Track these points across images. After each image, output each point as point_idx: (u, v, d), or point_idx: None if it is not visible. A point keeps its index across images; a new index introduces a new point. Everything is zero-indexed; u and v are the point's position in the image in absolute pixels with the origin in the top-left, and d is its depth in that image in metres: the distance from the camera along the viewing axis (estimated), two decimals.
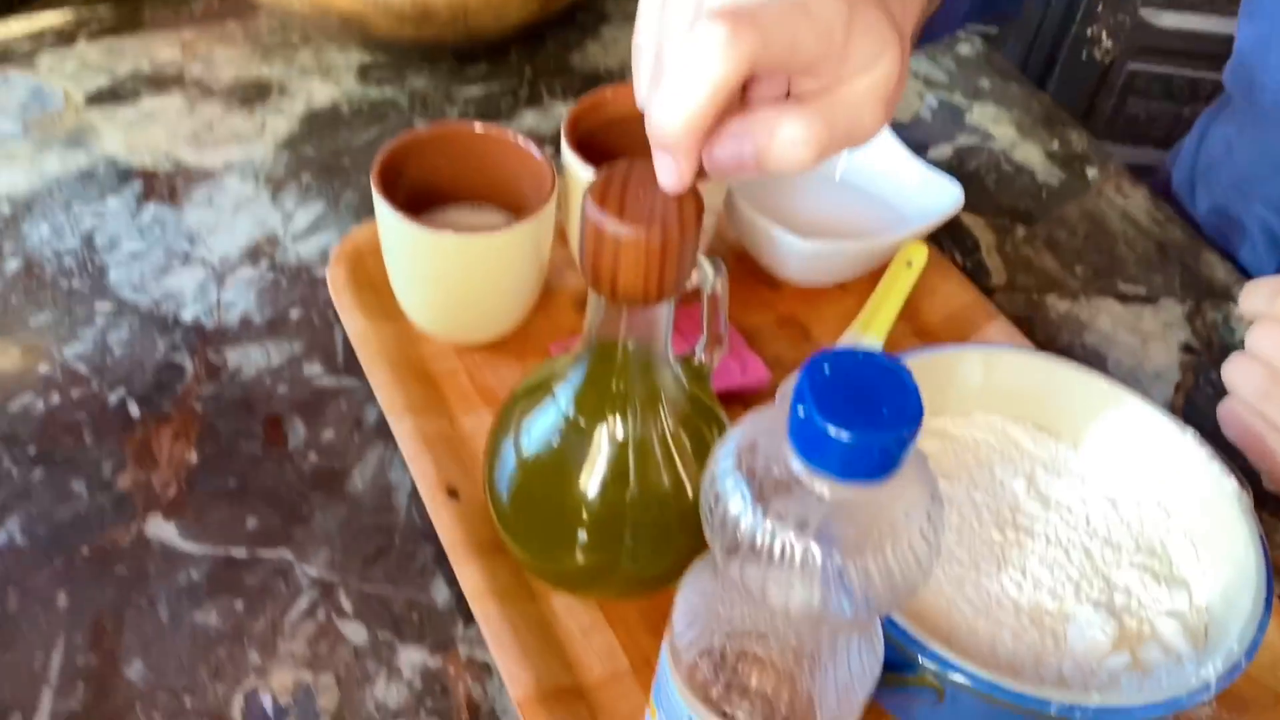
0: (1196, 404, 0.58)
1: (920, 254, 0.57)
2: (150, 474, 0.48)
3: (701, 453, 0.42)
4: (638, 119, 0.46)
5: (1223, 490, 0.45)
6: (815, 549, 0.28)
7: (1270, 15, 0.63)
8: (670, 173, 0.35)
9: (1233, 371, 0.50)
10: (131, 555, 0.45)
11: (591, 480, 0.41)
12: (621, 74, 0.75)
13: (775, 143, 0.35)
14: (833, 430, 0.26)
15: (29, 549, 0.45)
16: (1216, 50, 1.84)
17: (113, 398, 0.51)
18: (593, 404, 0.40)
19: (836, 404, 0.26)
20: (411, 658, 0.43)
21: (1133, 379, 0.59)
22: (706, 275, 0.41)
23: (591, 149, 0.54)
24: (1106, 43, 1.90)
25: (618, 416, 0.40)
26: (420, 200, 0.54)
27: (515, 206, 0.55)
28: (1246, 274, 0.66)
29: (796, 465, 0.28)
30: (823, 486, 0.27)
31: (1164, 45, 1.91)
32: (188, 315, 0.55)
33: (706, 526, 0.30)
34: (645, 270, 0.35)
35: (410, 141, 0.51)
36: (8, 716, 0.40)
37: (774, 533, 0.28)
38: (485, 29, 0.65)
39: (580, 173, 0.52)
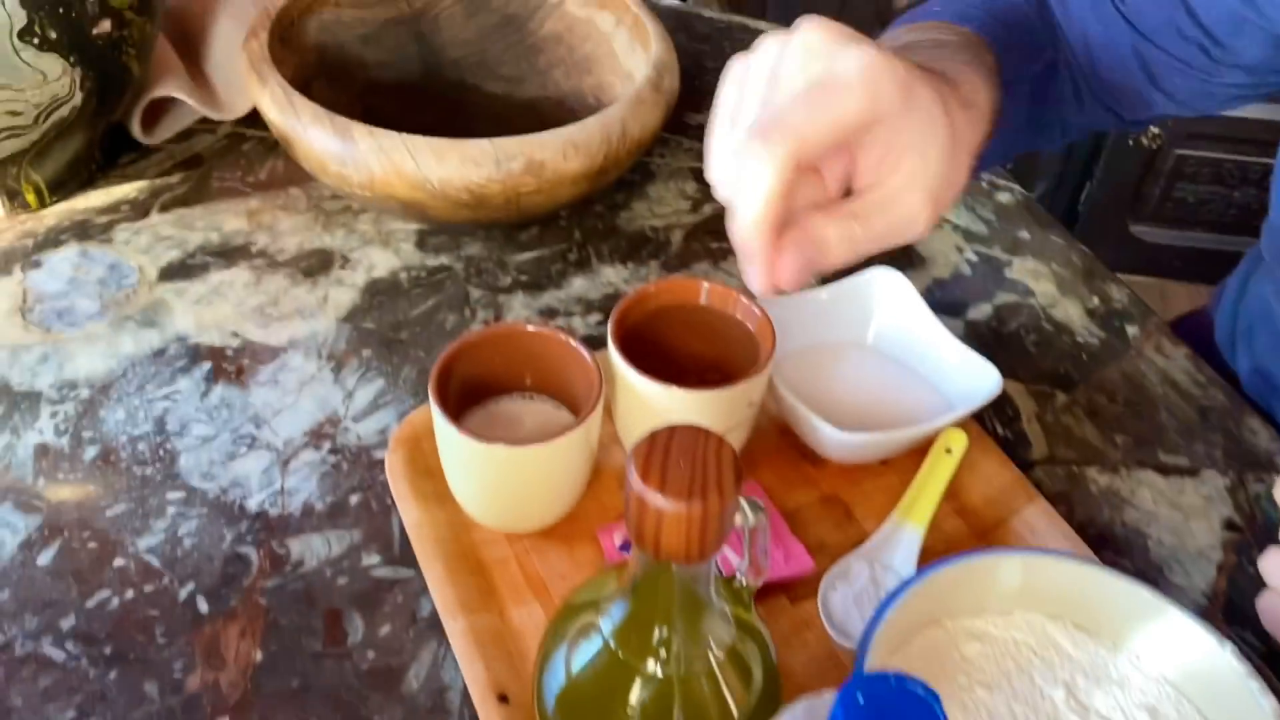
0: (1239, 585, 0.58)
1: (960, 441, 0.58)
2: (218, 673, 0.51)
3: (746, 678, 0.44)
4: (680, 309, 0.52)
5: (1262, 709, 0.45)
6: None
7: None
8: (755, 277, 0.43)
9: (1269, 564, 0.51)
10: None
11: (636, 715, 0.42)
12: (666, 231, 0.77)
13: (824, 248, 0.43)
14: None
15: None
16: (1264, 136, 1.84)
17: (183, 593, 0.54)
18: (636, 641, 0.42)
19: None
20: None
21: (1174, 559, 0.59)
22: (747, 517, 0.43)
23: (638, 340, 0.56)
24: (1153, 128, 1.91)
25: (661, 654, 0.42)
26: (474, 392, 0.56)
27: (564, 395, 0.57)
28: None
29: None
30: None
31: (1210, 131, 1.91)
32: (253, 504, 0.58)
33: None
34: (687, 537, 0.37)
35: (466, 343, 0.54)
36: None
37: None
38: (538, 209, 0.68)
39: (625, 369, 0.54)
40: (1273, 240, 0.68)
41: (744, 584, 0.45)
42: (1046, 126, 0.69)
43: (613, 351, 0.55)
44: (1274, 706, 0.45)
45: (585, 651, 0.44)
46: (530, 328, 0.55)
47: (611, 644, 0.43)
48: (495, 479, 0.52)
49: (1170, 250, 2.04)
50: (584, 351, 0.54)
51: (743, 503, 0.43)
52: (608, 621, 0.43)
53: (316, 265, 0.72)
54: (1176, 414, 0.67)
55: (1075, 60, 0.65)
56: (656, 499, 0.36)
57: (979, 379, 0.59)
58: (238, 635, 0.52)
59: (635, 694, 0.42)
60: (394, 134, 0.63)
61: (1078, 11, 0.64)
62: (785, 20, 0.48)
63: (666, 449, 0.38)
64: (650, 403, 0.54)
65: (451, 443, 0.51)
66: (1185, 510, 0.61)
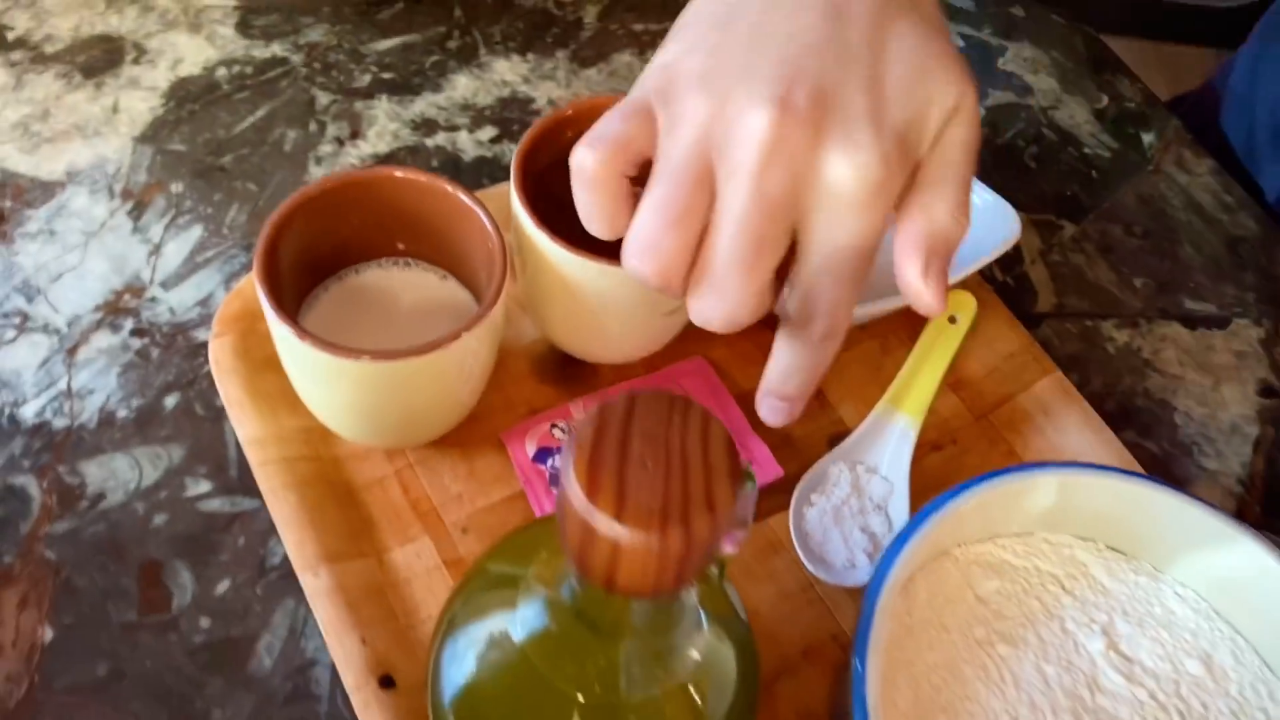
0: (1277, 468, 0.49)
1: (968, 306, 0.46)
2: None
3: (720, 685, 0.32)
4: None
5: None
6: None
7: None
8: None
9: None
10: None
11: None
12: (576, 8, 0.59)
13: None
14: None
15: None
16: None
17: None
18: (571, 668, 0.29)
19: None
20: None
21: (1204, 436, 0.49)
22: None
23: (551, 186, 0.41)
24: None
25: (608, 682, 0.29)
26: (329, 259, 0.41)
27: (451, 260, 0.42)
28: None
29: None
30: None
31: None
32: (29, 413, 0.42)
33: None
34: (658, 572, 0.24)
35: (305, 200, 0.38)
36: None
37: None
38: None
39: (537, 235, 0.39)
40: None
41: (717, 556, 0.33)
42: None
43: (519, 211, 0.39)
44: None
45: (496, 653, 0.32)
46: (401, 174, 0.39)
47: (533, 659, 0.30)
48: (363, 395, 0.38)
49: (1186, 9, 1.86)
50: (481, 213, 0.39)
51: None
52: (521, 627, 0.30)
53: (101, 60, 0.53)
54: (1203, 248, 0.55)
55: None
56: (612, 528, 0.23)
57: (992, 221, 0.46)
58: (16, 605, 0.38)
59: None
60: None
61: None
62: None
63: (623, 438, 0.24)
64: (572, 281, 0.39)
65: (293, 350, 0.36)
66: (1216, 373, 0.51)
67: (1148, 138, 0.59)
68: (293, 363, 0.38)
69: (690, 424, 0.24)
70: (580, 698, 0.30)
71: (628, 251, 0.32)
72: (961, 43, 0.61)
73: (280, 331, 0.36)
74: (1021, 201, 0.54)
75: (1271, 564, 0.38)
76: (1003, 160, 0.57)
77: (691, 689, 0.31)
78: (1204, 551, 0.40)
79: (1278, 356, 0.52)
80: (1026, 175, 0.56)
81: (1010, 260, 0.53)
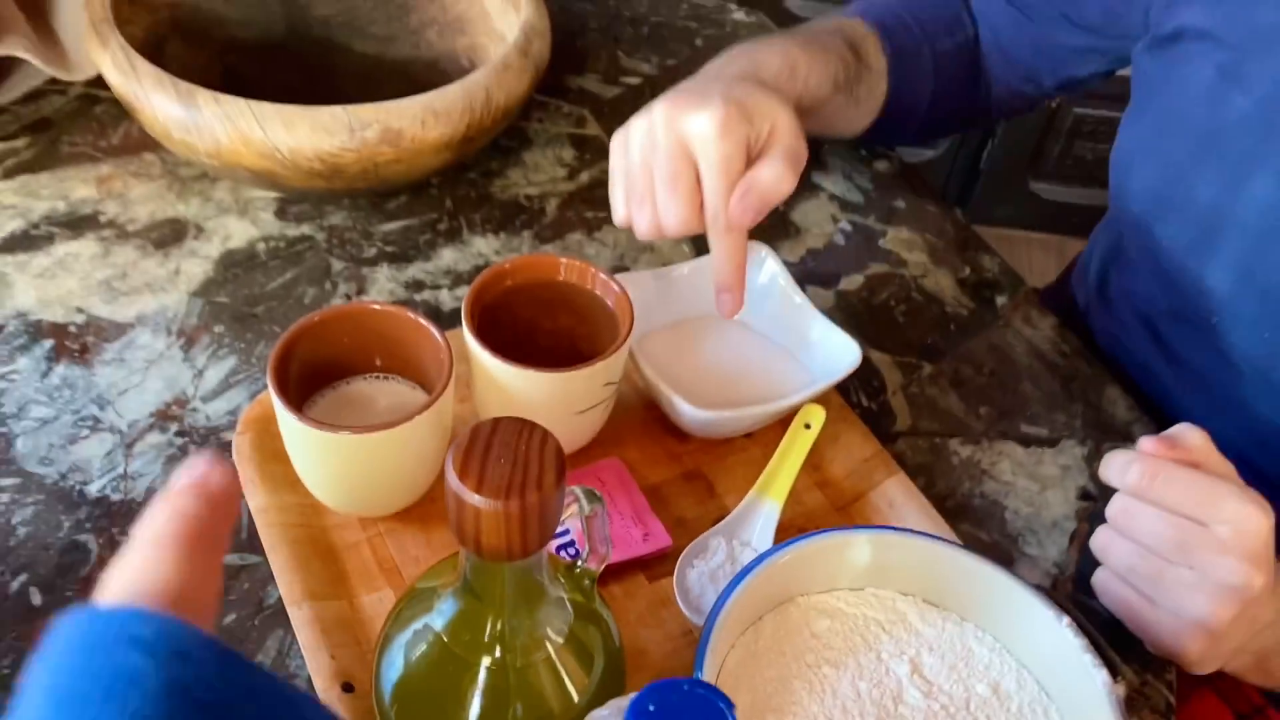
0: (1090, 554, 0.59)
1: (818, 416, 0.58)
2: None
3: (586, 663, 0.43)
4: (538, 285, 0.57)
5: (1095, 682, 0.46)
6: None
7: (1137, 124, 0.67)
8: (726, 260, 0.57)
9: (1100, 544, 0.52)
10: None
11: (474, 708, 0.41)
12: (542, 199, 0.75)
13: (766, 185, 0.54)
14: None
15: None
16: None
17: (15, 584, 0.51)
18: (469, 636, 0.41)
19: None
20: None
21: (1029, 530, 0.60)
22: (583, 505, 0.42)
23: (496, 319, 0.55)
24: None
25: (496, 648, 0.41)
26: (322, 374, 0.55)
27: (418, 374, 0.55)
28: (1145, 403, 0.68)
29: None
30: None
31: (1108, 91, 1.92)
32: (94, 489, 0.56)
33: None
34: (507, 534, 0.36)
35: (309, 324, 0.52)
36: None
37: None
38: (399, 178, 0.66)
39: (479, 352, 0.53)
40: (1128, 227, 0.69)
41: (582, 568, 0.45)
42: (966, 109, 0.78)
43: (466, 333, 0.53)
44: (1105, 679, 0.46)
45: (420, 642, 0.43)
46: (375, 306, 0.54)
47: (445, 638, 0.42)
48: (343, 466, 0.51)
49: (1070, 207, 2.07)
50: (433, 330, 0.53)
51: (578, 492, 0.42)
52: (439, 617, 0.42)
53: (169, 236, 0.69)
54: (1040, 384, 0.68)
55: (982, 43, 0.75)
56: (473, 498, 0.35)
57: (841, 354, 0.59)
58: None
59: (471, 686, 0.42)
60: (240, 100, 0.60)
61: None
62: None
63: (488, 445, 0.37)
64: (506, 385, 0.53)
65: (294, 430, 0.50)
66: (1043, 481, 0.62)
67: (1001, 300, 0.73)
68: (293, 442, 0.51)
69: (534, 439, 0.37)
70: (479, 662, 0.41)
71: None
72: (849, 227, 0.76)
73: (285, 417, 0.49)
74: (889, 347, 0.68)
75: (1045, 611, 0.48)
76: (876, 316, 0.70)
77: (559, 662, 0.42)
78: (996, 601, 0.50)
79: (1096, 470, 0.63)
80: (895, 327, 0.70)
81: (875, 390, 0.66)
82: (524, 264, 0.56)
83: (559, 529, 0.50)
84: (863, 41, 0.71)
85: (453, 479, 0.35)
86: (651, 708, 0.28)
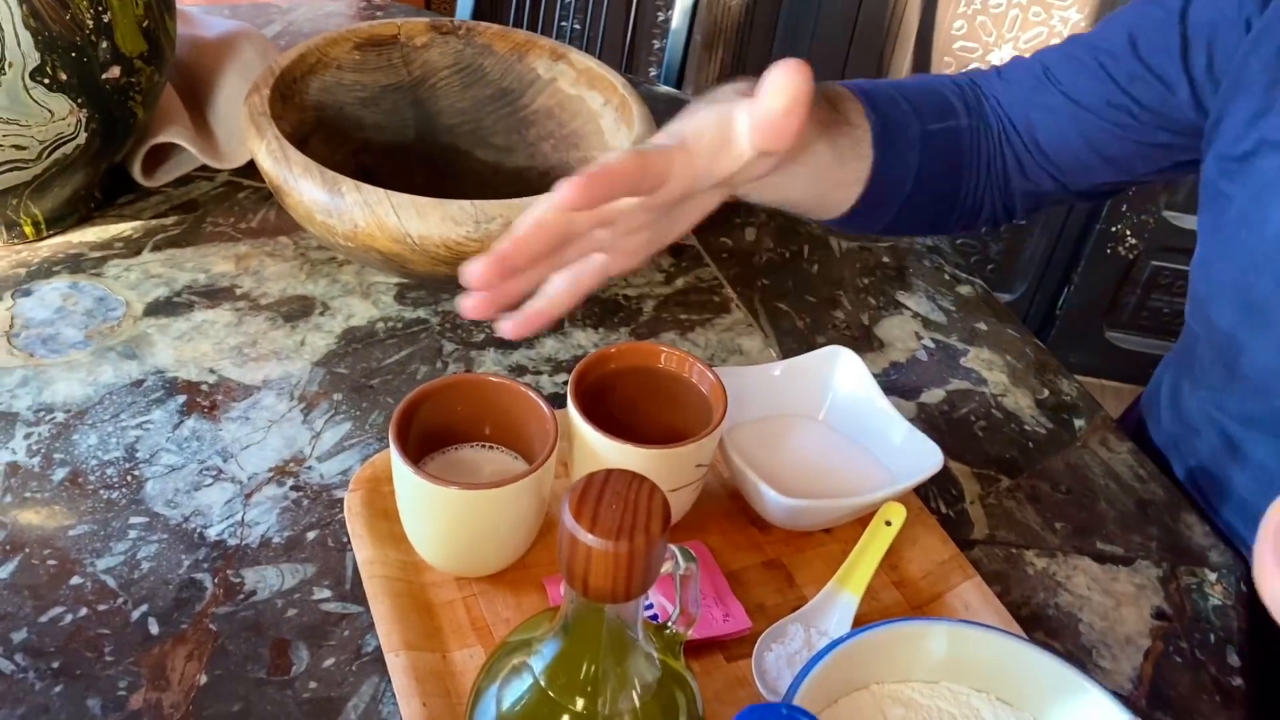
0: (1164, 671, 0.60)
1: (899, 514, 0.60)
2: (161, 694, 0.52)
3: (672, 717, 0.45)
4: (638, 371, 0.61)
5: None
6: None
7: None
8: None
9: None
10: None
11: None
12: (639, 300, 0.80)
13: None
14: None
15: None
16: None
17: (135, 614, 0.55)
18: (565, 680, 0.43)
19: None
20: None
21: (1103, 644, 0.61)
22: (679, 563, 0.45)
23: (597, 400, 0.58)
24: (1130, 239, 1.96)
25: (588, 690, 0.43)
26: (435, 439, 0.59)
27: (522, 447, 0.59)
28: (1225, 535, 0.69)
29: None
30: None
31: (1186, 244, 1.95)
32: (213, 533, 0.60)
33: None
34: (614, 576, 0.39)
35: (430, 389, 0.56)
36: None
37: None
38: None
39: (581, 424, 0.56)
40: (1205, 347, 0.71)
41: (675, 632, 0.47)
42: (948, 199, 0.74)
43: (570, 406, 0.57)
44: None
45: (516, 689, 0.45)
46: (492, 378, 0.58)
47: (541, 681, 0.44)
48: (447, 521, 0.54)
49: (1145, 357, 2.08)
50: (542, 403, 0.56)
51: (675, 550, 0.45)
52: (539, 660, 0.44)
53: (297, 310, 0.75)
54: (1116, 505, 0.69)
55: (1017, 132, 0.72)
56: (586, 537, 0.38)
57: (922, 457, 0.62)
58: (185, 658, 0.54)
59: None
60: (379, 190, 0.66)
61: (1018, 90, 0.72)
62: None
63: (600, 492, 0.40)
64: (604, 458, 0.56)
65: (407, 482, 0.53)
66: (1117, 597, 0.63)
67: (1079, 422, 0.75)
68: (404, 495, 0.55)
69: (642, 490, 0.40)
70: (571, 705, 0.43)
71: None
72: (932, 345, 0.79)
73: (401, 470, 0.53)
74: (968, 459, 0.70)
75: (1118, 713, 0.49)
76: (955, 429, 0.73)
77: (643, 716, 0.44)
78: (1069, 703, 0.51)
79: (1172, 591, 0.64)
80: (975, 440, 0.72)
81: (954, 499, 0.68)
82: (628, 349, 0.60)
83: (648, 605, 0.53)
84: (840, 99, 0.66)
85: (568, 518, 0.39)
86: None
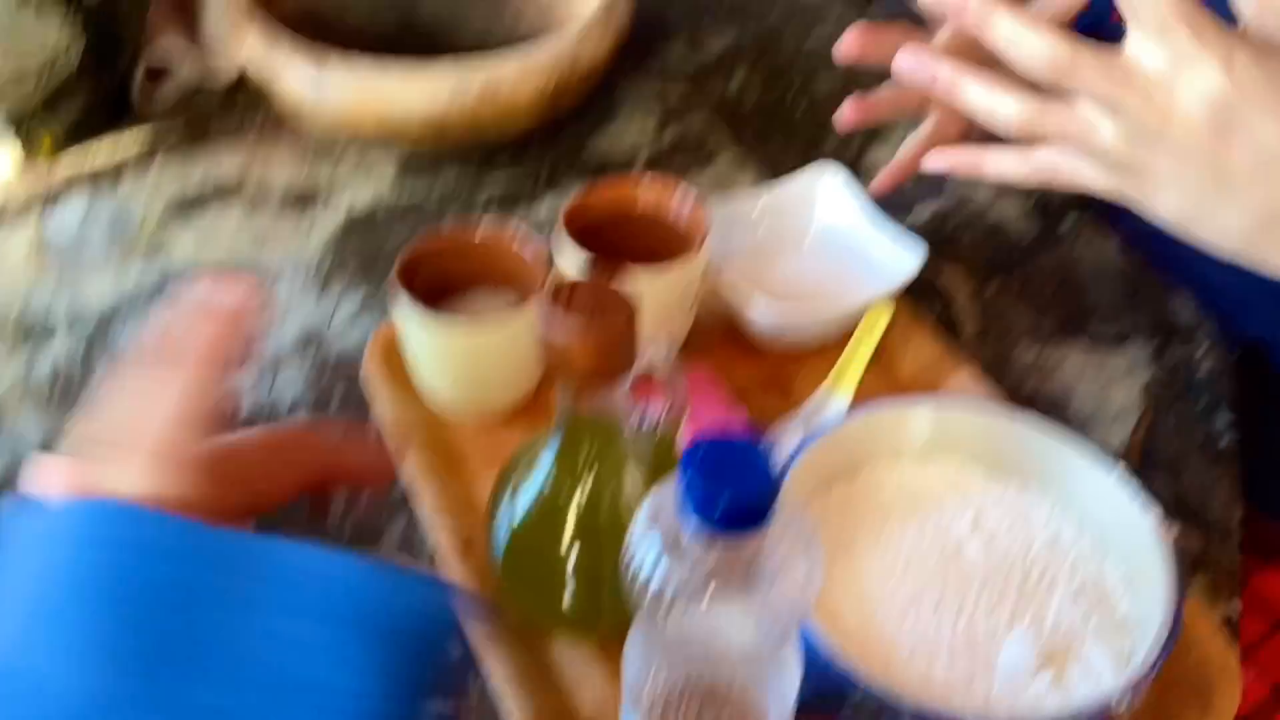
0: (1155, 438, 0.62)
1: (885, 313, 0.63)
2: None
3: None
4: (622, 203, 0.63)
5: (1145, 523, 0.50)
6: (714, 592, 0.34)
7: None
8: None
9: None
10: None
11: (570, 538, 0.48)
12: (633, 153, 0.82)
13: None
14: (708, 491, 0.33)
15: None
16: None
17: None
18: (567, 472, 0.47)
19: (712, 474, 0.33)
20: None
21: (1094, 420, 0.63)
22: (661, 352, 0.48)
23: (587, 232, 0.61)
24: None
25: (589, 481, 0.47)
26: (441, 292, 0.62)
27: (523, 289, 0.62)
28: (1214, 308, 0.70)
29: (689, 522, 0.34)
30: (711, 539, 0.34)
31: None
32: (244, 408, 0.64)
33: (628, 583, 0.36)
34: (596, 354, 0.42)
35: (422, 247, 0.60)
36: None
37: (679, 579, 0.35)
38: (500, 134, 0.73)
39: (573, 254, 0.59)
40: None
41: (667, 424, 0.51)
42: None
43: (563, 236, 0.60)
44: (1155, 521, 0.49)
45: (524, 493, 0.49)
46: (477, 232, 0.61)
47: (548, 478, 0.48)
48: (454, 357, 0.58)
49: None
50: (530, 241, 0.60)
51: (655, 345, 0.48)
52: (544, 460, 0.48)
53: (304, 199, 0.78)
54: (1106, 293, 0.71)
55: None
56: (563, 318, 0.41)
57: (907, 255, 0.64)
58: None
59: (568, 521, 0.48)
60: (364, 58, 0.68)
61: None
62: None
63: (573, 290, 0.43)
64: None
65: (413, 323, 0.57)
66: (1109, 376, 0.66)
67: (1068, 221, 0.76)
68: (415, 338, 0.58)
69: (608, 287, 0.43)
70: (573, 499, 0.47)
71: None
72: None
73: (411, 315, 0.57)
74: (959, 265, 0.72)
75: (1097, 464, 0.52)
76: (947, 242, 0.74)
77: (639, 498, 0.48)
78: (1053, 463, 0.54)
79: (1162, 365, 0.66)
80: (965, 249, 0.74)
81: (945, 301, 0.70)
82: (611, 183, 0.63)
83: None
84: None
85: (545, 309, 0.42)
86: (700, 451, 0.33)
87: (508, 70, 0.69)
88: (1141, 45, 0.45)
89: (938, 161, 0.55)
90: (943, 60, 0.49)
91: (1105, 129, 0.46)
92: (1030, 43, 0.45)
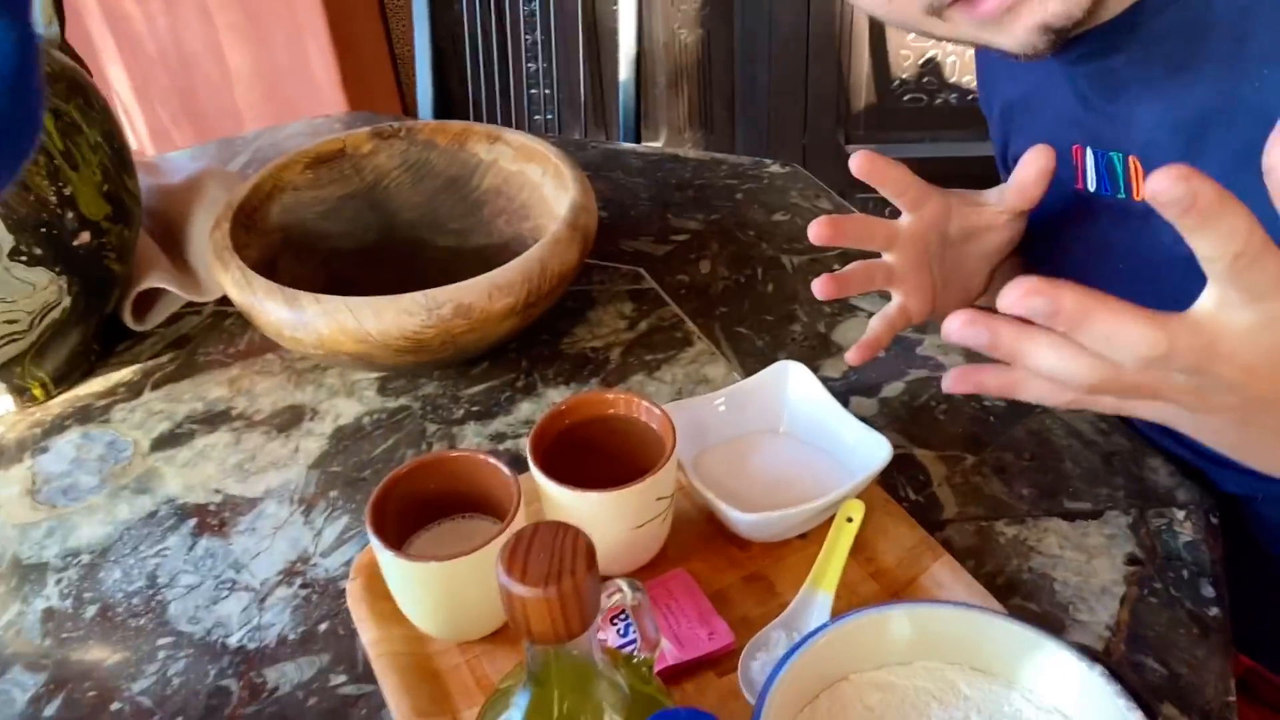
0: (1139, 614, 0.62)
1: (858, 510, 0.64)
2: None
3: None
4: (592, 421, 0.64)
5: None
6: None
7: None
8: None
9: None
10: None
11: None
12: (606, 350, 0.84)
13: None
14: None
15: None
16: None
17: None
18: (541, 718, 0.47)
19: None
20: None
21: (1079, 598, 0.63)
22: (625, 595, 0.48)
23: (560, 456, 0.63)
24: None
25: None
26: (419, 517, 0.63)
27: (499, 511, 0.63)
28: (1191, 467, 0.71)
29: None
30: None
31: None
32: (234, 640, 0.65)
33: None
34: (551, 619, 0.43)
35: (397, 477, 0.61)
36: None
37: None
38: (475, 347, 0.76)
39: (543, 481, 0.60)
40: None
41: (639, 658, 0.51)
42: None
43: (532, 466, 0.61)
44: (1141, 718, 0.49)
45: None
46: (453, 454, 0.62)
47: None
48: (432, 591, 0.58)
49: None
50: (502, 468, 0.61)
51: (622, 584, 0.49)
52: (516, 710, 0.48)
53: (289, 420, 0.80)
54: (1080, 462, 0.71)
55: None
56: (519, 588, 0.42)
57: (874, 451, 0.65)
58: None
59: None
60: (336, 298, 0.71)
61: None
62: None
63: (529, 545, 0.44)
64: (569, 508, 0.60)
65: (390, 565, 0.58)
66: (1089, 551, 0.66)
67: None
68: (392, 577, 0.59)
69: (567, 537, 0.44)
70: None
71: None
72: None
73: (382, 555, 0.58)
74: (933, 444, 0.73)
75: (1078, 662, 0.52)
76: (919, 417, 0.76)
77: None
78: (1034, 660, 0.54)
79: (1142, 536, 0.66)
80: (938, 424, 0.75)
81: (921, 484, 0.71)
82: (577, 403, 0.65)
83: (626, 634, 0.57)
84: None
85: (502, 575, 0.43)
86: None
87: (478, 291, 0.72)
88: (1240, 313, 0.43)
89: (963, 385, 0.53)
90: (1001, 323, 0.47)
91: (1183, 388, 0.46)
92: (1128, 336, 0.43)
